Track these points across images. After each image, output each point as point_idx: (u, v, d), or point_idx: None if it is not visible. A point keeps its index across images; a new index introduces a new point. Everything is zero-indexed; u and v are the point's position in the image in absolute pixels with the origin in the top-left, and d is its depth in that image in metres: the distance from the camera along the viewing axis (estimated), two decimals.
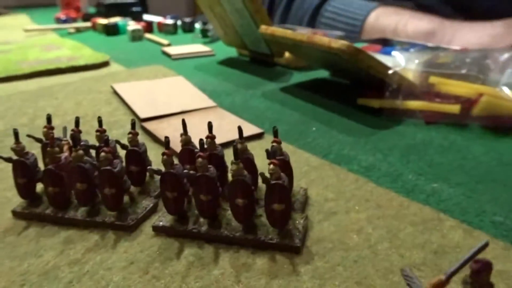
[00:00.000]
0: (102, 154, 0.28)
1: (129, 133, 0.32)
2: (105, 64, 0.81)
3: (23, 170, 0.30)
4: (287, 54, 0.76)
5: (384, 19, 0.85)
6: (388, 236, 0.28)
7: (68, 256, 0.27)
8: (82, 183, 0.29)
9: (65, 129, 0.33)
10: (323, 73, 0.73)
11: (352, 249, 0.27)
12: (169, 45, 1.01)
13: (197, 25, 1.15)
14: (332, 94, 0.61)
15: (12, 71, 0.72)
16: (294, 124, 0.50)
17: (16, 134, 0.30)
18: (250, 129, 0.46)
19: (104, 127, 0.32)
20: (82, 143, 0.31)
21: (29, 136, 0.32)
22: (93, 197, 0.30)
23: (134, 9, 1.23)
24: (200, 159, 0.26)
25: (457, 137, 0.44)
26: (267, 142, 0.44)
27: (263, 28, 0.62)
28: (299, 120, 0.51)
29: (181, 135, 0.31)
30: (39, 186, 0.32)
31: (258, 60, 0.83)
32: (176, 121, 0.47)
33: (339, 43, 0.48)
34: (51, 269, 0.25)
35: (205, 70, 0.76)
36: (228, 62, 0.83)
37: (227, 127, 0.46)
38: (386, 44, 0.72)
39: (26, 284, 0.24)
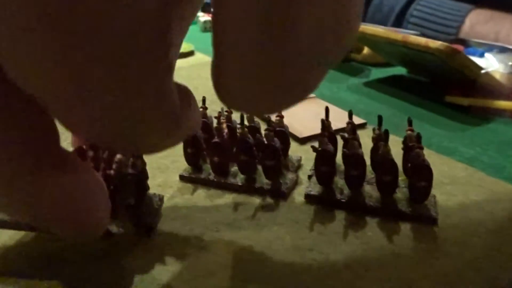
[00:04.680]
0: (266, 132, 0.34)
1: (277, 116, 0.37)
2: (190, 53, 0.87)
3: (193, 141, 0.36)
4: (365, 51, 0.80)
5: (481, 28, 0.86)
6: None
7: (243, 213, 0.33)
8: (245, 156, 0.35)
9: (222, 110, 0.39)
10: (400, 70, 0.77)
11: (481, 225, 0.31)
12: None
13: None
14: (415, 90, 0.65)
15: None
16: (388, 116, 0.54)
17: None
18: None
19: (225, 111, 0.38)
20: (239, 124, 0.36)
21: None
22: (253, 167, 0.35)
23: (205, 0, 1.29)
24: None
25: None
26: (369, 132, 0.49)
27: None
28: (391, 113, 0.56)
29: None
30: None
31: None
32: None
33: (437, 44, 0.52)
34: (232, 222, 0.32)
35: None
36: None
37: (331, 116, 0.51)
38: (463, 44, 0.75)
39: (220, 231, 0.30)
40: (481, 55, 0.65)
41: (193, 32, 1.16)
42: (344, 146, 0.35)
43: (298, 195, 0.35)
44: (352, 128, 0.34)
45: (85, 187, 0.16)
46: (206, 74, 0.66)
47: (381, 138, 0.34)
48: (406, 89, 0.66)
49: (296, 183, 0.37)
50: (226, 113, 0.39)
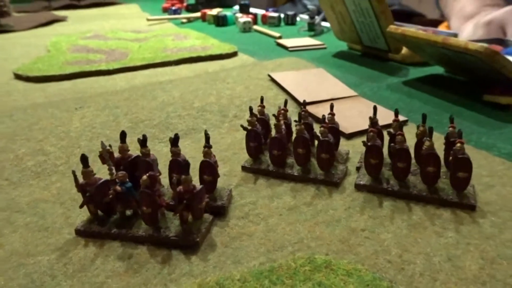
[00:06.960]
0: (322, 129, 0.39)
1: (330, 114, 0.42)
2: (234, 54, 0.93)
3: (255, 136, 0.42)
4: (403, 51, 0.83)
5: None
6: None
7: (301, 199, 0.38)
8: (303, 149, 0.40)
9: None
10: (438, 69, 0.79)
11: None
12: (280, 37, 1.11)
13: (303, 18, 1.24)
14: (453, 89, 0.67)
15: (162, 58, 0.86)
16: (428, 114, 0.57)
17: (251, 110, 0.41)
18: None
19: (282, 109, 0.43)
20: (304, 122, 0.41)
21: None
22: (308, 160, 0.40)
23: (242, 2, 1.34)
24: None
25: None
26: (412, 128, 0.52)
27: (393, 28, 0.70)
28: (432, 111, 0.59)
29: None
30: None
31: (370, 55, 0.91)
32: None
33: (476, 46, 0.55)
34: (293, 207, 0.37)
35: (325, 63, 0.85)
36: (341, 56, 0.92)
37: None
38: (502, 44, 0.77)
39: (283, 214, 0.36)
40: None
41: (233, 33, 1.21)
42: (390, 141, 0.39)
43: (349, 184, 0.40)
44: (399, 125, 0.38)
45: None
46: (256, 74, 0.71)
47: (425, 134, 0.38)
48: (444, 88, 0.68)
49: (346, 174, 0.41)
50: (283, 111, 0.43)
